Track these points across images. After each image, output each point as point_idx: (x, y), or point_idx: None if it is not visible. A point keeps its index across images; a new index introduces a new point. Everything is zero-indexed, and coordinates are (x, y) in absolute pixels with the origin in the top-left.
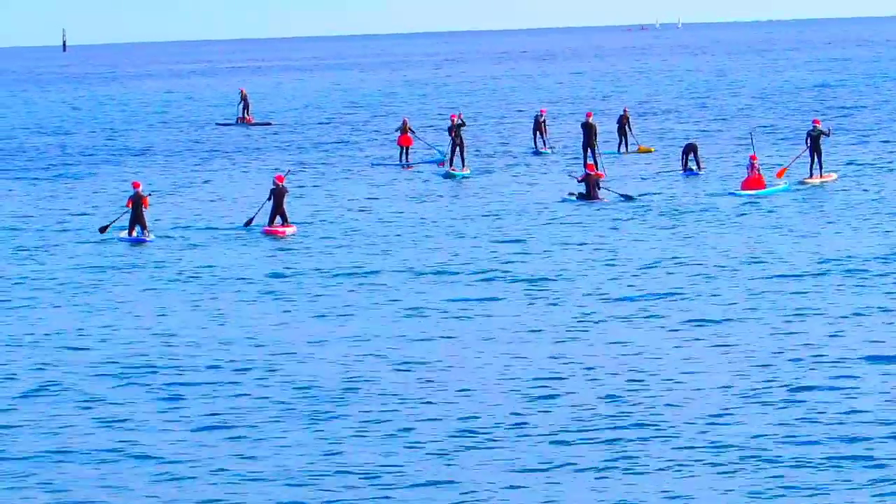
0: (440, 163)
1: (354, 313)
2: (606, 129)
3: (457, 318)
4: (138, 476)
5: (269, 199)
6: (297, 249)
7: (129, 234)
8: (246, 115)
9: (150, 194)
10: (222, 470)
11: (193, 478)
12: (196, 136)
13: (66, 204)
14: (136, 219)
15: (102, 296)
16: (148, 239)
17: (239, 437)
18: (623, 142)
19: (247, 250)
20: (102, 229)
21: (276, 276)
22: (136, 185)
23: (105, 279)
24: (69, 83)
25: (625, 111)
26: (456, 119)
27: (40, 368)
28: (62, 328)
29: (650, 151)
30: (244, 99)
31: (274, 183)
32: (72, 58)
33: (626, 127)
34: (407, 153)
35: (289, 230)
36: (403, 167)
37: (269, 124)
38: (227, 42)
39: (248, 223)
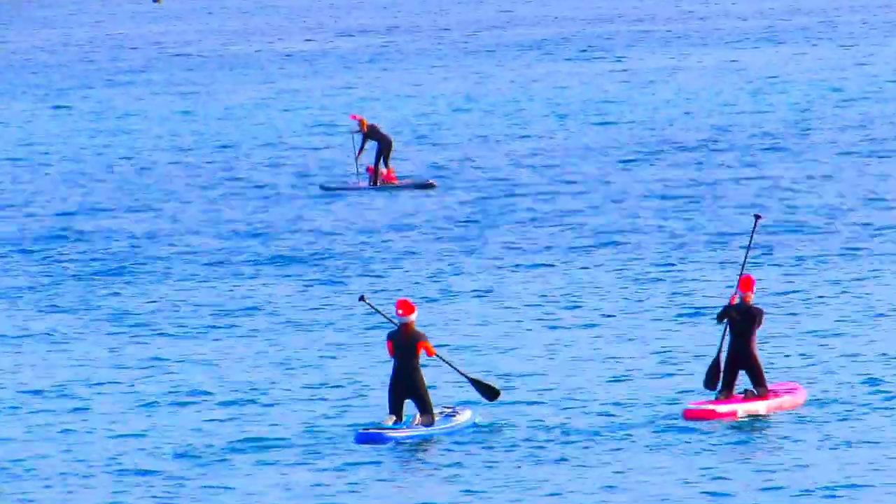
0: None
1: None
2: None
3: None
4: None
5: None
6: None
7: (393, 421)
8: (383, 165)
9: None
10: None
11: None
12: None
13: None
14: (405, 387)
15: None
16: (426, 425)
17: None
18: None
19: None
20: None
21: None
22: (407, 310)
23: None
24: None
25: None
26: None
27: None
28: None
29: None
30: (370, 134)
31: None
32: (169, 15)
33: None
34: None
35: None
36: None
37: (430, 185)
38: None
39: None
